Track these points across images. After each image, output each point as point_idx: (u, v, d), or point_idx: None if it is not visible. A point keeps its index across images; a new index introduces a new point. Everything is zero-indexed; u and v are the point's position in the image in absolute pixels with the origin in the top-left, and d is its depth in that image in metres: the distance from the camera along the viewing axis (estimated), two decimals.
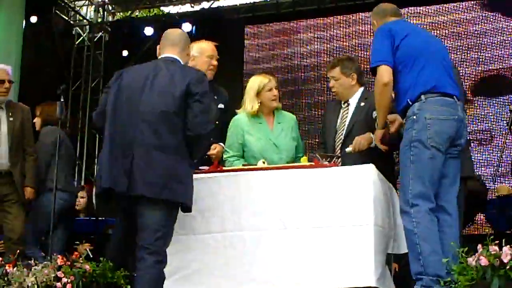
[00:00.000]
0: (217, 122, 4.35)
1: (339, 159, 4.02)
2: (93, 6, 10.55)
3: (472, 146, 7.76)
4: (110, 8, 10.79)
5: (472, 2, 8.85)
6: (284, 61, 9.78)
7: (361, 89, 4.34)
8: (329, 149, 4.23)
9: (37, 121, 5.58)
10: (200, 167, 3.91)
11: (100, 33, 10.60)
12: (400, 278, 4.02)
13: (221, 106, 4.50)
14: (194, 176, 3.64)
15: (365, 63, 8.11)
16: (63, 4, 10.21)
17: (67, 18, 10.45)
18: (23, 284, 3.78)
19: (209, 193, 3.72)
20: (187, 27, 9.75)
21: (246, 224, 3.64)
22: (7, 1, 8.36)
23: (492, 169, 7.87)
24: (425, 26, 8.30)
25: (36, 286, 3.73)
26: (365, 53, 8.98)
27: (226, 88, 4.79)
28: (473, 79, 8.64)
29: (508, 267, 2.77)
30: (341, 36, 9.47)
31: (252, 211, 3.64)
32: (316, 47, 9.61)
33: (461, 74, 6.73)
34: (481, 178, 6.37)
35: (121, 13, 10.85)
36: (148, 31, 10.01)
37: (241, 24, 10.08)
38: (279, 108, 4.42)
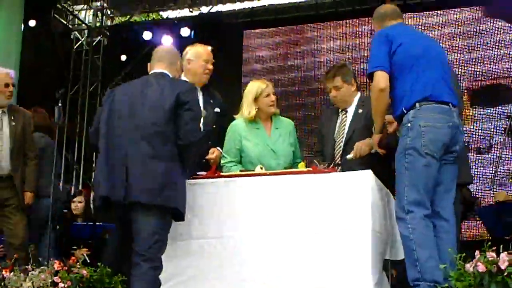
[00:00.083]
0: (214, 126, 4.36)
1: (339, 167, 4.00)
2: (92, 10, 10.56)
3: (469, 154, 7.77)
4: (109, 12, 10.80)
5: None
6: (282, 65, 9.81)
7: (358, 94, 4.35)
8: (327, 158, 4.20)
9: None
10: (198, 173, 3.91)
11: (99, 38, 10.60)
12: (398, 284, 4.01)
13: (217, 110, 4.48)
14: (192, 181, 3.65)
15: (360, 64, 8.20)
16: (61, 8, 10.22)
17: (65, 22, 10.44)
18: None
19: (206, 199, 3.73)
20: (185, 31, 9.77)
21: (243, 229, 3.63)
22: (7, 1, 8.36)
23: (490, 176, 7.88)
24: (425, 27, 8.36)
25: None
26: (359, 54, 9.12)
27: (224, 93, 4.79)
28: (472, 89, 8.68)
29: (505, 273, 2.77)
30: (339, 38, 9.55)
31: (250, 216, 3.64)
32: (315, 49, 9.66)
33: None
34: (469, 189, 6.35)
35: (120, 18, 10.86)
36: (147, 35, 10.02)
37: (240, 28, 10.10)
38: (276, 114, 4.41)
